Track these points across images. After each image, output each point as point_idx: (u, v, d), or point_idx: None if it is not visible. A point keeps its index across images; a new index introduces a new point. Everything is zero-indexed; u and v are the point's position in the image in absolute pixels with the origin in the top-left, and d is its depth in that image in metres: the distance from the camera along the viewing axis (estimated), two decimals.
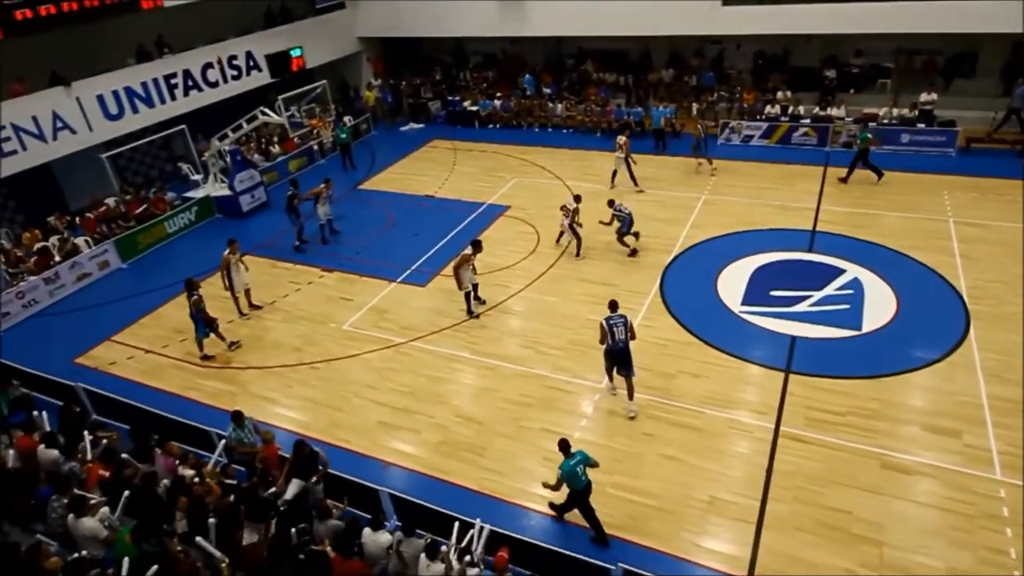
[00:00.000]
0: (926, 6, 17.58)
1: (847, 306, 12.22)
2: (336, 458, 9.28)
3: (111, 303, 14.83)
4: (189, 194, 19.05)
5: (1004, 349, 10.75)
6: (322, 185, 16.26)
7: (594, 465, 8.11)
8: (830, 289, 12.79)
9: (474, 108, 24.50)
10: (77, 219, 17.49)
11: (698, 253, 14.53)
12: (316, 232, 16.60)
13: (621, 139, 17.56)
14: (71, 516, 7.52)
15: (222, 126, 18.34)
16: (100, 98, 17.87)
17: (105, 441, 9.26)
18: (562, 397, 10.73)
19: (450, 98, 25.28)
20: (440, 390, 11.15)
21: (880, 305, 12.16)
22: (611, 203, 14.59)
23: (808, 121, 20.04)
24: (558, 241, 15.34)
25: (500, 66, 26.59)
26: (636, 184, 17.71)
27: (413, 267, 15.02)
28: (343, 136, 21.58)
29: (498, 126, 24.20)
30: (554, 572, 7.56)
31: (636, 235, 14.67)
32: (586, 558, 7.26)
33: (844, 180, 17.19)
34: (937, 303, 12.14)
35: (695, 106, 21.49)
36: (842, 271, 13.30)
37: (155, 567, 6.50)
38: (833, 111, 20.07)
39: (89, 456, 8.92)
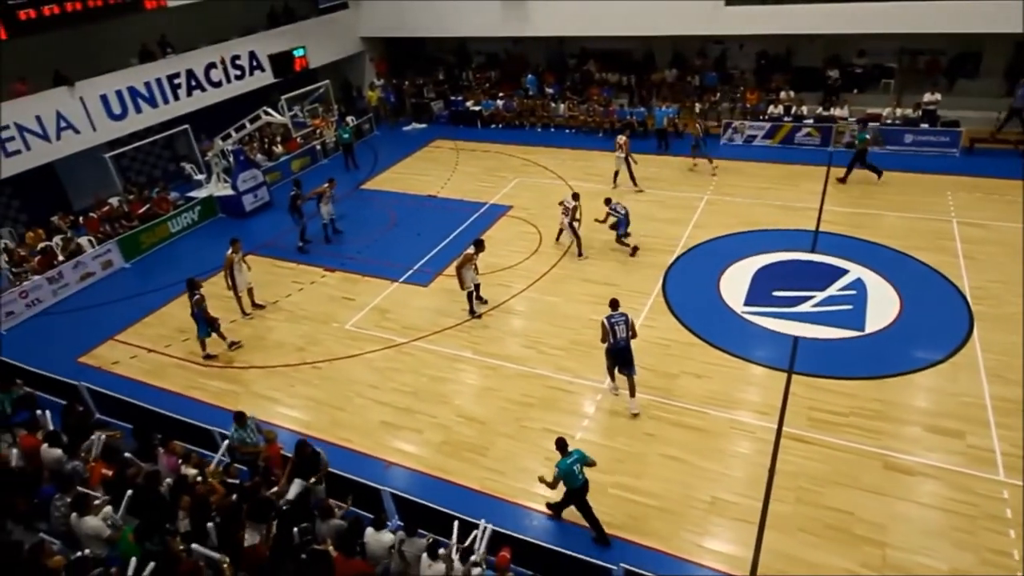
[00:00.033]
0: (929, 6, 17.55)
1: (850, 307, 12.20)
2: (338, 458, 9.31)
3: (114, 302, 14.87)
4: (192, 194, 19.08)
5: (1007, 350, 10.72)
6: (326, 184, 16.30)
7: (591, 464, 8.12)
8: (833, 290, 12.76)
9: (476, 108, 24.51)
10: (81, 219, 17.53)
11: (700, 253, 14.52)
12: (319, 231, 16.63)
13: (621, 139, 17.57)
14: (74, 515, 7.55)
15: (225, 126, 18.39)
16: (104, 98, 17.92)
17: (104, 438, 9.27)
18: (564, 397, 10.73)
19: (452, 98, 25.29)
20: (442, 390, 11.15)
21: (883, 306, 12.13)
22: (607, 201, 14.64)
23: (811, 121, 19.99)
24: (558, 239, 15.36)
25: (503, 66, 26.59)
26: (635, 184, 17.72)
27: (415, 267, 15.03)
28: (346, 136, 21.60)
29: (500, 126, 24.19)
30: (556, 572, 7.57)
31: (627, 233, 14.73)
32: (587, 558, 7.26)
33: (843, 180, 17.18)
34: (940, 304, 12.11)
35: (698, 106, 21.47)
36: (845, 271, 13.28)
37: (152, 564, 6.50)
38: (836, 111, 20.03)
39: (93, 455, 8.94)
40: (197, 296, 11.96)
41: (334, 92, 24.44)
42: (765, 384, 10.60)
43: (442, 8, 23.54)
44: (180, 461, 8.67)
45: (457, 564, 6.89)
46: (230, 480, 8.53)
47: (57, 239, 16.28)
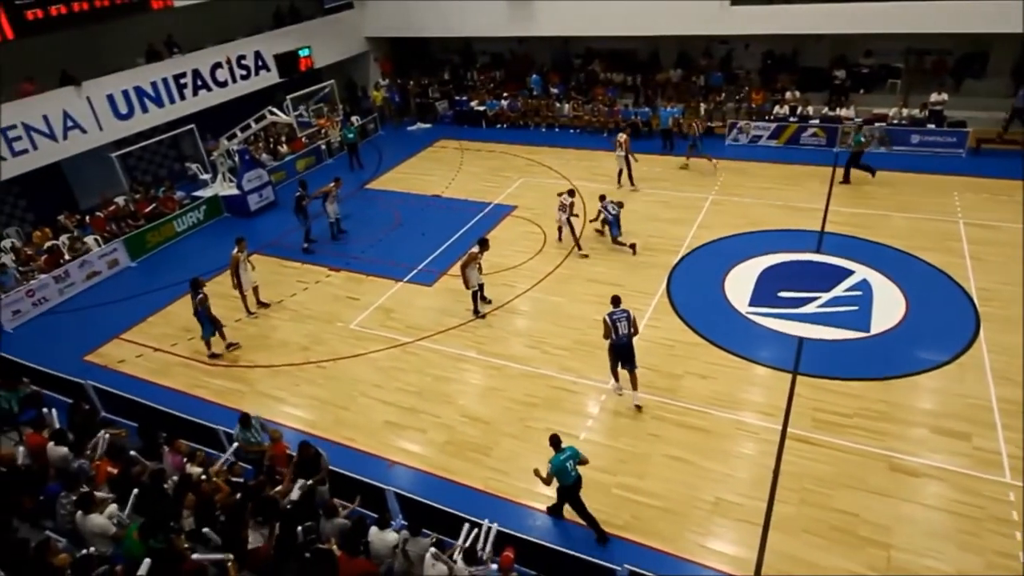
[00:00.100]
0: (935, 6, 17.47)
1: (855, 308, 12.15)
2: (342, 457, 9.34)
3: (120, 301, 14.92)
4: (198, 193, 19.15)
5: (1014, 351, 10.66)
6: (331, 184, 16.35)
7: (584, 462, 8.13)
8: (839, 290, 12.72)
9: (481, 108, 24.52)
10: (87, 218, 17.60)
11: (705, 253, 14.49)
12: (325, 230, 16.67)
13: (622, 137, 17.57)
14: (79, 513, 7.57)
15: (230, 125, 18.45)
16: (110, 97, 17.99)
17: (108, 436, 9.30)
18: (568, 397, 10.72)
19: (457, 98, 25.31)
20: (446, 390, 11.16)
21: (889, 307, 12.09)
22: (601, 198, 14.71)
23: (817, 121, 19.95)
24: (559, 239, 15.36)
25: (507, 66, 26.58)
26: (632, 183, 17.75)
27: (420, 267, 15.04)
28: (350, 136, 21.63)
29: (505, 126, 24.21)
30: (559, 573, 7.57)
31: (602, 231, 14.92)
32: (591, 559, 7.25)
33: (845, 181, 17.14)
34: (946, 305, 12.06)
35: (703, 106, 21.43)
36: (851, 272, 13.24)
37: (148, 560, 6.52)
38: (842, 111, 19.96)
39: (98, 453, 8.98)
40: (201, 295, 12.00)
41: (339, 92, 24.48)
42: (770, 385, 10.57)
43: (447, 8, 23.55)
44: (185, 460, 8.70)
45: (460, 564, 6.89)
46: (234, 479, 8.55)
47: (63, 238, 16.34)
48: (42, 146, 16.59)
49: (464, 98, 25.15)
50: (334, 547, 7.04)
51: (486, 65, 27.06)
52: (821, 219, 15.46)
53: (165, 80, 19.24)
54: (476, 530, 7.52)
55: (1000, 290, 12.25)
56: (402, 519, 8.28)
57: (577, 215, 14.81)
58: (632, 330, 9.93)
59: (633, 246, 14.55)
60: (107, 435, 9.34)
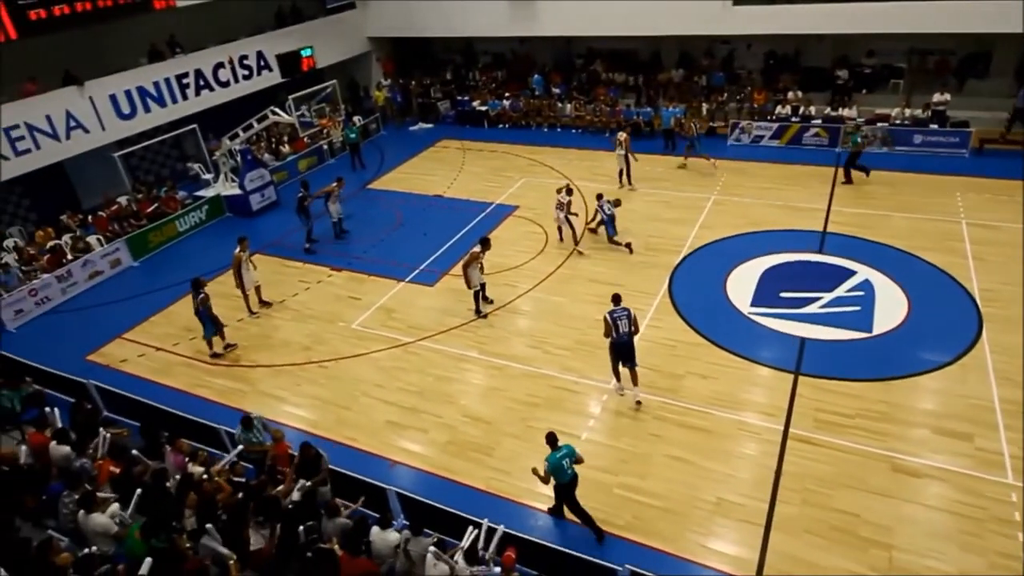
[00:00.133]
0: (937, 6, 17.44)
1: (858, 308, 12.14)
2: (344, 457, 9.35)
3: (122, 301, 14.95)
4: (200, 193, 19.19)
5: (1017, 352, 10.63)
6: (334, 184, 16.38)
7: (579, 461, 8.15)
8: (841, 291, 12.71)
9: (483, 108, 24.52)
10: (89, 217, 17.64)
11: (707, 254, 14.48)
12: (327, 230, 16.69)
13: (621, 136, 17.60)
14: (82, 512, 7.59)
15: (233, 125, 18.47)
16: (113, 97, 18.02)
17: (110, 435, 9.32)
18: (569, 397, 10.72)
19: (459, 98, 25.33)
20: (448, 390, 11.17)
21: (891, 307, 12.07)
22: (599, 197, 14.75)
23: (819, 121, 19.93)
24: (560, 239, 15.36)
25: (509, 66, 26.59)
26: (630, 182, 17.78)
27: (421, 267, 15.05)
28: (352, 136, 21.66)
29: (507, 126, 24.21)
30: (561, 572, 7.57)
31: (595, 231, 15.00)
32: (592, 559, 7.26)
33: (847, 182, 17.13)
34: (949, 305, 12.04)
35: (705, 106, 21.41)
36: (853, 273, 13.22)
37: (150, 560, 6.53)
38: (845, 111, 19.93)
39: (100, 453, 9.00)
40: (202, 295, 12.02)
41: (341, 92, 24.49)
42: (771, 385, 10.57)
43: (449, 8, 23.57)
44: (187, 459, 8.71)
45: (461, 563, 6.89)
46: (236, 478, 8.56)
47: (66, 238, 16.39)
48: (45, 146, 16.63)
49: (466, 98, 25.16)
50: (336, 547, 7.05)
51: (488, 65, 27.08)
52: (823, 219, 15.44)
53: (167, 80, 19.28)
54: (479, 530, 7.52)
55: (1002, 290, 12.23)
56: (404, 519, 8.28)
57: (576, 213, 14.81)
58: (632, 328, 9.94)
59: (629, 245, 14.54)
60: (109, 434, 9.36)
